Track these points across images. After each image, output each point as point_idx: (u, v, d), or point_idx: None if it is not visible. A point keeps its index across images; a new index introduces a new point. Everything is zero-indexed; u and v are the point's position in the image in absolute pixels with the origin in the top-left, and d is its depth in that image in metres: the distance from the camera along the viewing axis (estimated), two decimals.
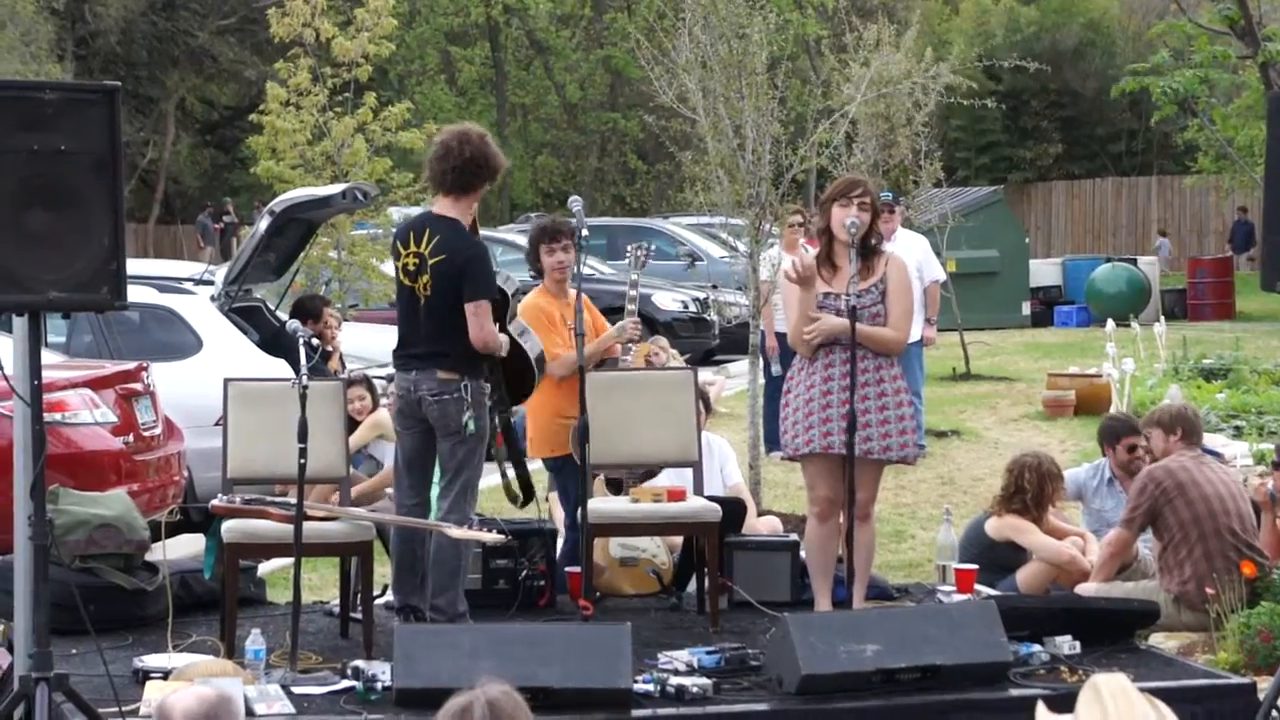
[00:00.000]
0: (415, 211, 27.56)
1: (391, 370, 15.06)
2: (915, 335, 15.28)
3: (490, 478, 9.63)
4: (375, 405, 12.84)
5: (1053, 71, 40.40)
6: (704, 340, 25.34)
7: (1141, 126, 47.06)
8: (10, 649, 8.19)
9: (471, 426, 8.94)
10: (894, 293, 9.29)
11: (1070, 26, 49.53)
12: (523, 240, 20.23)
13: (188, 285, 15.50)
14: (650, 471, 10.55)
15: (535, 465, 10.26)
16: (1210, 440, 13.79)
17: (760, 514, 11.68)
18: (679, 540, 10.33)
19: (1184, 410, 10.37)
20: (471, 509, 9.15)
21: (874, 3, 39.61)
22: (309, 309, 14.85)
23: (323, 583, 11.11)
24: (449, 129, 9.27)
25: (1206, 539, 9.59)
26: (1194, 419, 10.27)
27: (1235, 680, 8.44)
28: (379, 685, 7.99)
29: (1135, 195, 47.99)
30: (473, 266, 8.96)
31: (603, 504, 9.82)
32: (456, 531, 9.42)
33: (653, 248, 9.72)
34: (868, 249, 9.27)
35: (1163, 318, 23.82)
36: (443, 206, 9.11)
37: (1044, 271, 34.08)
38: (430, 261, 8.98)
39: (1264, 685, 8.07)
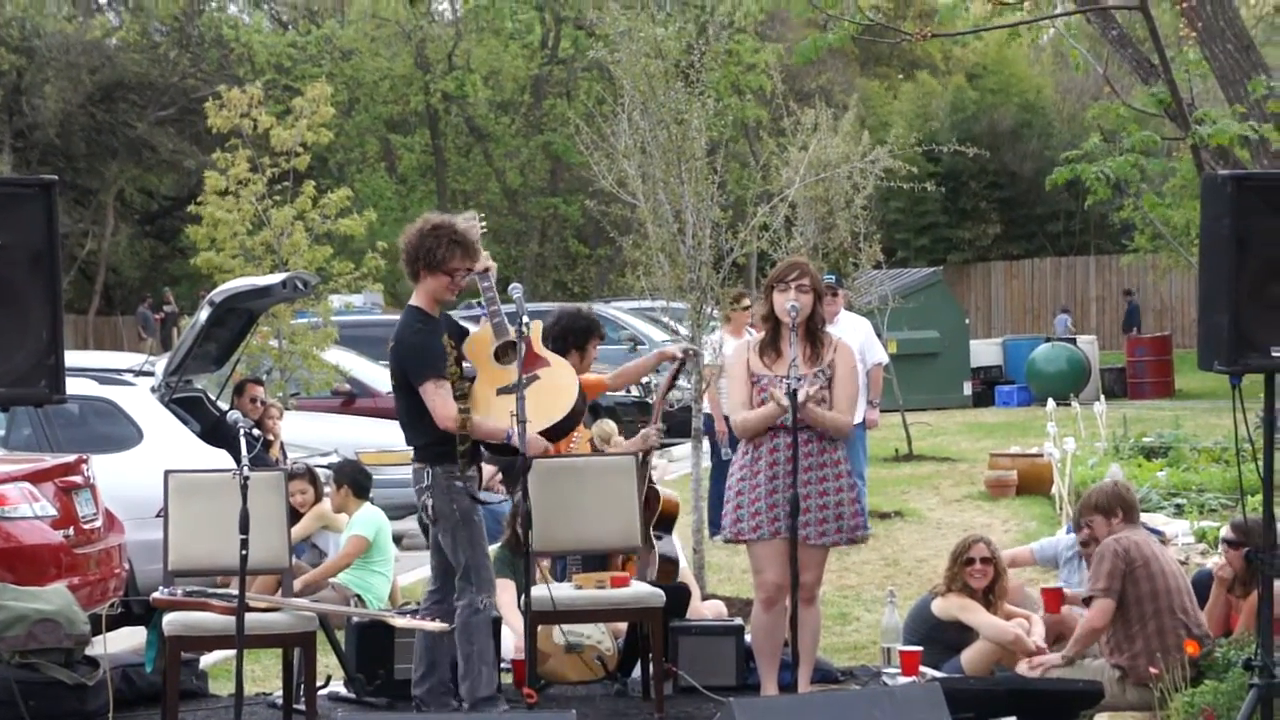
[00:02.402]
0: (357, 300, 27.51)
1: (334, 458, 15.09)
2: (858, 417, 15.32)
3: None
4: (318, 497, 12.80)
5: (990, 153, 40.73)
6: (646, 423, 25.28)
7: (1079, 207, 47.42)
8: None
9: (429, 511, 8.93)
10: (840, 378, 9.32)
11: (1006, 108, 49.94)
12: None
13: (128, 377, 15.42)
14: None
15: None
16: (1151, 519, 13.85)
17: (704, 598, 11.66)
18: (623, 626, 10.30)
19: (1116, 489, 10.35)
20: (480, 593, 9.00)
21: (812, 87, 39.91)
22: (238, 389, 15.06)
23: (266, 674, 11.03)
24: None
25: (1161, 615, 9.62)
26: (1128, 495, 10.28)
27: None
28: None
29: (1074, 275, 48.32)
30: (409, 353, 8.95)
31: (546, 590, 9.78)
32: (400, 621, 9.42)
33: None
34: (813, 333, 9.31)
35: (1103, 396, 23.94)
36: (414, 294, 9.18)
37: (984, 351, 34.23)
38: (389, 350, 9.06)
39: None
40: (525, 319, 9.09)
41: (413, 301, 9.15)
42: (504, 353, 9.15)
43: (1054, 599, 10.64)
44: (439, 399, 8.83)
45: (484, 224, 9.69)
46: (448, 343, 9.06)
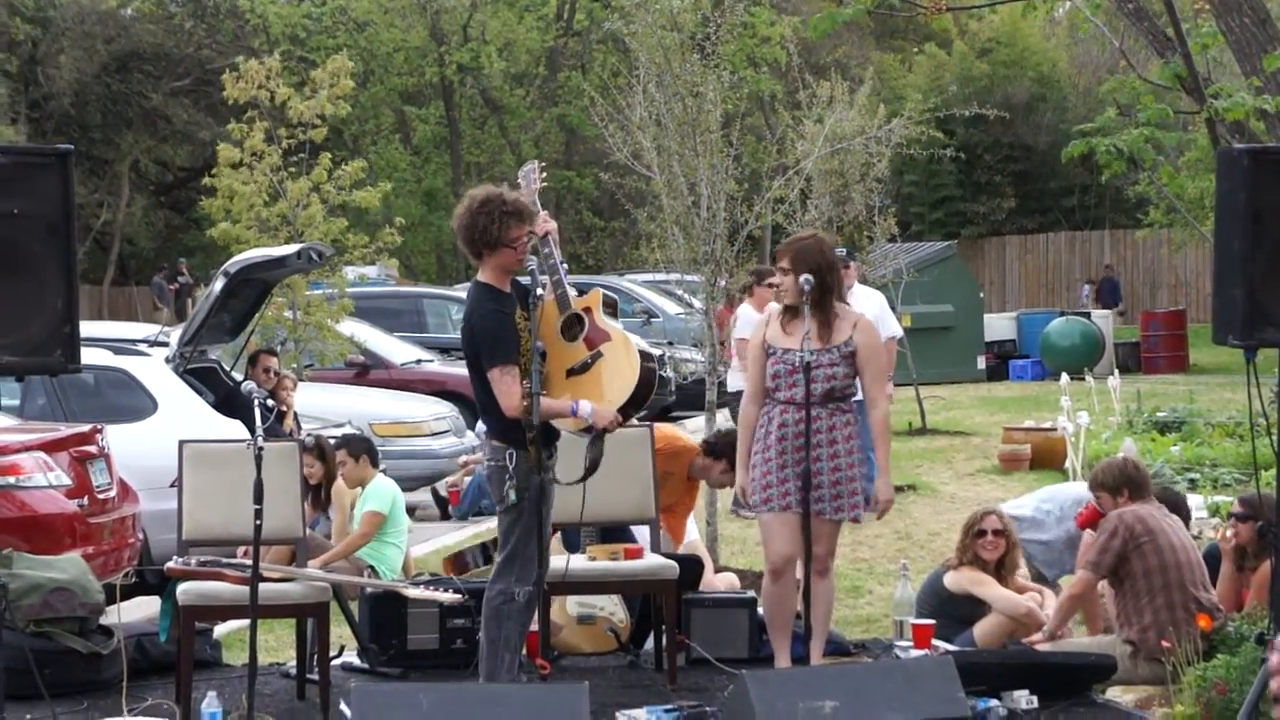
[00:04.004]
0: (371, 271, 27.56)
1: (347, 429, 15.09)
2: None
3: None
4: (329, 471, 12.73)
5: (1005, 126, 40.58)
6: (660, 397, 25.33)
7: (1094, 180, 47.30)
8: None
9: (512, 496, 8.54)
10: (865, 358, 9.29)
11: (1021, 81, 49.79)
12: None
13: (142, 347, 15.45)
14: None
15: None
16: None
17: (717, 570, 11.68)
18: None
19: (1124, 467, 10.22)
20: (519, 584, 8.64)
21: (827, 60, 39.83)
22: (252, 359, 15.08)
23: (279, 644, 11.06)
24: None
25: (1170, 589, 9.59)
26: (1136, 473, 10.14)
27: None
28: None
29: (1088, 249, 48.20)
30: (479, 336, 8.61)
31: (559, 562, 9.79)
32: (413, 591, 9.43)
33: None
34: (823, 311, 9.28)
35: (1117, 371, 23.94)
36: (480, 270, 8.83)
37: (998, 326, 34.17)
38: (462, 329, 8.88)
39: None
40: (540, 291, 8.82)
41: (480, 277, 8.74)
42: (570, 327, 8.80)
43: (1090, 514, 10.57)
44: (504, 385, 8.46)
45: (544, 174, 9.17)
46: (520, 316, 8.65)
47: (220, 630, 10.81)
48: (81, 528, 11.76)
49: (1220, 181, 8.30)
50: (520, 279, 8.80)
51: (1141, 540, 9.65)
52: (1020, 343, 33.79)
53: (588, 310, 8.86)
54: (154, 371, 14.55)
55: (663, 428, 11.16)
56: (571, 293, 8.89)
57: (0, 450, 11.62)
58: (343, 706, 8.48)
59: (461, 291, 28.59)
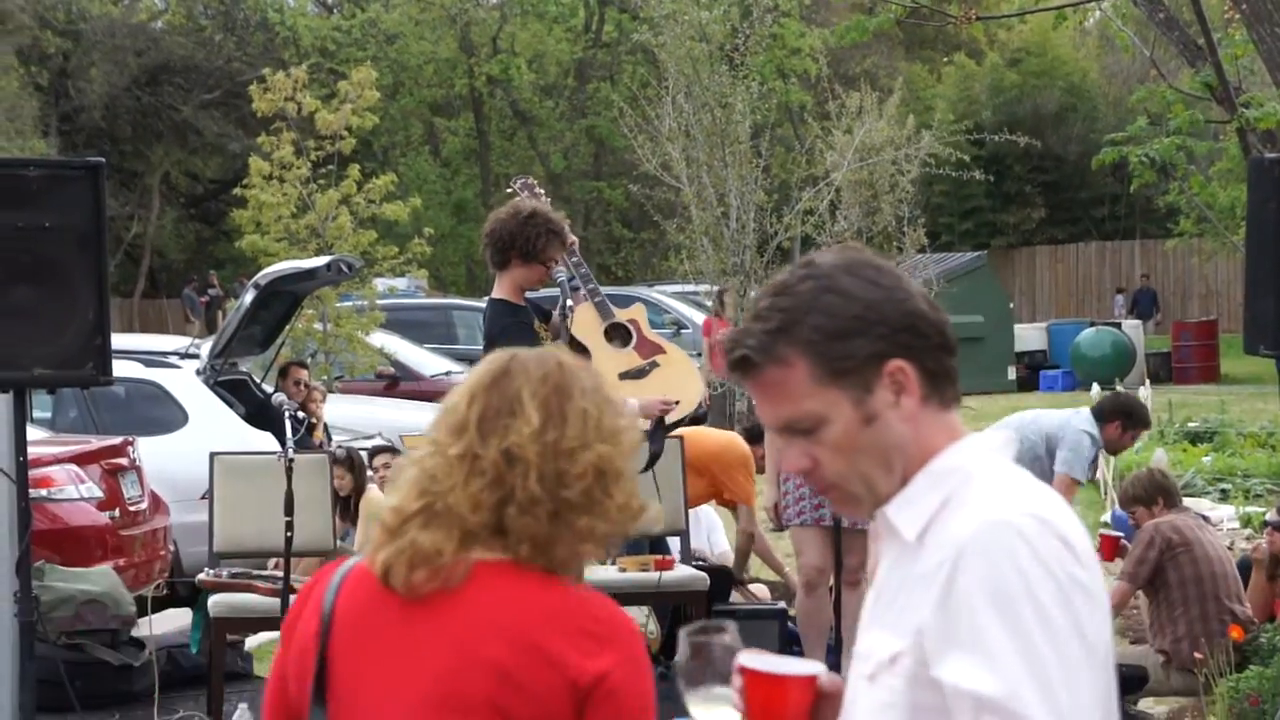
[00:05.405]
0: (400, 283, 27.65)
1: (378, 441, 15.09)
2: None
3: None
4: (359, 483, 12.76)
5: (1035, 136, 40.50)
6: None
7: (1124, 191, 47.20)
8: None
9: None
10: None
11: (1051, 91, 49.71)
12: None
13: (173, 359, 15.46)
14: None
15: None
16: (1196, 504, 13.80)
17: (749, 582, 11.66)
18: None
19: (1153, 477, 10.23)
20: None
21: (856, 70, 39.81)
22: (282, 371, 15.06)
23: None
24: None
25: (1205, 600, 9.56)
26: (1164, 480, 10.16)
27: None
28: None
29: (1119, 259, 48.10)
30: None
31: (588, 573, 9.77)
32: None
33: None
34: None
35: (1148, 381, 23.85)
36: (496, 285, 8.73)
37: (1029, 336, 34.09)
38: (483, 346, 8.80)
39: None
40: (570, 303, 8.84)
41: (496, 294, 8.57)
42: (613, 335, 8.69)
43: (1110, 546, 10.57)
44: None
45: (541, 190, 9.07)
46: (540, 328, 8.52)
47: (251, 642, 10.82)
48: (113, 540, 11.78)
49: (1252, 191, 8.27)
50: (534, 295, 8.77)
51: (1178, 550, 9.61)
52: (1051, 353, 33.70)
53: (633, 322, 8.81)
54: (185, 384, 14.56)
55: (700, 435, 11.12)
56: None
57: (32, 463, 11.59)
58: None
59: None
